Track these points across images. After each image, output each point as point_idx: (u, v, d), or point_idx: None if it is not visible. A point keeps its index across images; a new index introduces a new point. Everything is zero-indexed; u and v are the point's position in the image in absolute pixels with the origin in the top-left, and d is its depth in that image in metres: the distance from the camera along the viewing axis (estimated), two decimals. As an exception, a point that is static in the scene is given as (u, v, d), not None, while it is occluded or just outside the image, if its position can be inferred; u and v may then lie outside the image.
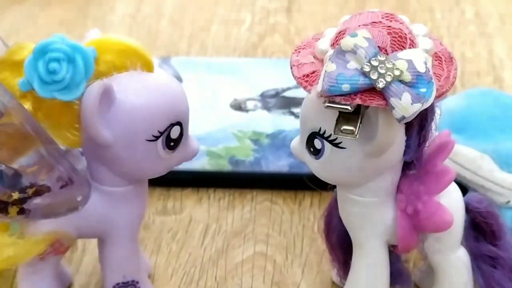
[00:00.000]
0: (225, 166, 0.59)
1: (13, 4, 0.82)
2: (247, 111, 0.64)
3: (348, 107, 0.38)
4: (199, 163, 0.59)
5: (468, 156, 0.53)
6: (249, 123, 0.63)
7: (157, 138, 0.43)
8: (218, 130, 0.62)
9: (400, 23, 0.41)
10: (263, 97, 0.65)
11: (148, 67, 0.44)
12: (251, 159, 0.60)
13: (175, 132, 0.44)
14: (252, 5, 0.83)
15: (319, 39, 0.42)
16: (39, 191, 0.42)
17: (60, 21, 0.80)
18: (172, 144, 0.44)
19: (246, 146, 0.61)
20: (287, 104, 0.65)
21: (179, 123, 0.44)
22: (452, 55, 0.42)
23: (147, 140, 0.43)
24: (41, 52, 0.41)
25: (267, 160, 0.59)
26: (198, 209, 0.58)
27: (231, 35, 0.78)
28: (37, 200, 0.42)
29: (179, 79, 0.67)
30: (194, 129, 0.61)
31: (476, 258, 0.47)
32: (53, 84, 0.41)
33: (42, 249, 0.44)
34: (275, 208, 0.58)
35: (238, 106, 0.64)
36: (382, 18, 0.41)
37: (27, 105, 0.42)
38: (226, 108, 0.64)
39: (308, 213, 0.57)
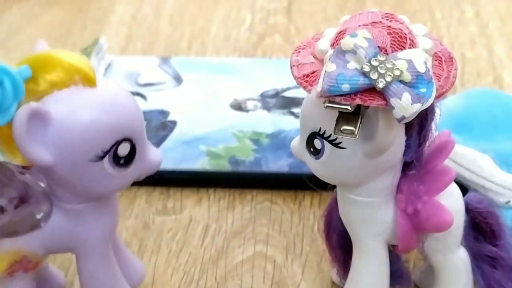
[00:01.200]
0: (225, 166, 0.59)
1: (13, 4, 0.82)
2: (247, 111, 0.64)
3: (348, 107, 0.38)
4: (199, 163, 0.59)
5: (468, 156, 0.53)
6: (249, 123, 0.63)
7: (101, 157, 0.41)
8: (218, 130, 0.62)
9: (400, 23, 0.41)
10: (263, 97, 0.65)
11: (89, 81, 0.41)
12: (251, 159, 0.60)
13: (123, 149, 0.41)
14: (252, 5, 0.83)
15: (319, 39, 0.42)
16: None
17: (60, 21, 0.80)
18: (122, 161, 0.42)
19: (246, 146, 0.61)
20: (287, 104, 0.65)
21: (127, 140, 0.42)
22: (452, 55, 0.42)
23: (90, 160, 0.41)
24: None
25: (267, 160, 0.59)
26: (198, 209, 0.58)
27: (231, 35, 0.78)
28: None
29: (179, 79, 0.68)
30: (194, 129, 0.62)
31: (476, 258, 0.47)
32: None
33: (4, 266, 0.43)
34: (275, 208, 0.58)
35: (238, 106, 0.64)
36: (382, 18, 0.41)
37: None
38: (226, 108, 0.64)
39: (308, 213, 0.57)
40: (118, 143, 0.41)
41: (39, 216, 0.43)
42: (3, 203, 0.41)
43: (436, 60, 0.41)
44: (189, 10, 0.82)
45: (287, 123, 0.63)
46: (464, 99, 0.59)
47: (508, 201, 0.52)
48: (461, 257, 0.46)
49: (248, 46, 0.76)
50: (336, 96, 0.38)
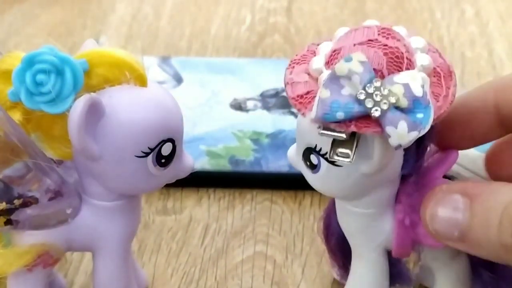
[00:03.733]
0: (225, 166, 0.59)
1: (13, 4, 0.82)
2: (247, 111, 0.64)
3: (343, 135, 0.38)
4: (199, 163, 0.59)
5: (468, 156, 0.53)
6: (249, 123, 0.63)
7: (147, 154, 0.42)
8: (218, 130, 0.62)
9: (397, 40, 0.40)
10: (263, 97, 0.65)
11: (141, 81, 0.43)
12: (251, 159, 0.60)
13: (166, 149, 0.43)
14: (252, 5, 0.83)
15: (314, 51, 0.41)
16: (27, 202, 0.41)
17: (60, 21, 0.80)
18: (163, 161, 0.43)
19: (246, 146, 0.61)
20: (287, 104, 0.65)
21: (171, 140, 0.43)
22: (451, 68, 0.40)
23: (136, 156, 0.42)
24: (29, 62, 0.40)
25: (267, 160, 0.60)
26: (198, 209, 0.58)
27: (231, 35, 0.78)
28: (26, 212, 0.41)
29: (179, 79, 0.68)
30: (194, 129, 0.62)
31: (475, 265, 0.46)
32: (40, 96, 0.40)
33: (28, 260, 0.43)
34: (275, 208, 0.58)
35: (238, 106, 0.64)
36: (379, 35, 0.40)
37: (17, 116, 0.41)
38: (226, 108, 0.64)
39: (308, 213, 0.57)
40: (163, 142, 0.42)
41: (68, 211, 0.43)
42: (38, 194, 0.41)
43: (434, 77, 0.40)
44: (189, 10, 0.82)
45: (287, 123, 0.63)
46: (464, 99, 0.59)
47: (508, 201, 0.52)
48: (460, 264, 0.46)
49: (248, 46, 0.76)
50: (330, 123, 0.38)
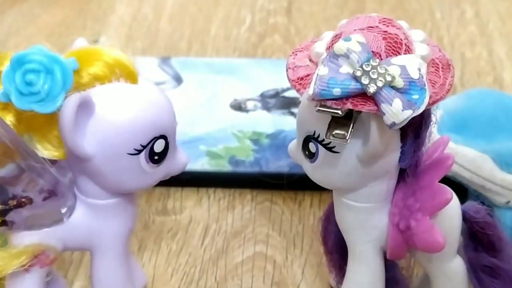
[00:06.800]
0: (225, 166, 0.59)
1: (13, 4, 0.82)
2: (247, 111, 0.64)
3: (339, 112, 0.38)
4: (199, 163, 0.59)
5: (468, 156, 0.53)
6: (249, 123, 0.63)
7: (139, 151, 0.42)
8: (218, 130, 0.62)
9: (397, 28, 0.40)
10: (263, 97, 0.65)
11: (132, 78, 0.43)
12: (251, 159, 0.60)
13: (159, 146, 0.43)
14: (252, 5, 0.83)
15: (316, 42, 0.42)
16: (21, 203, 0.41)
17: (60, 21, 0.80)
18: (156, 158, 0.43)
19: (246, 146, 0.61)
20: (287, 104, 0.65)
21: (163, 137, 0.43)
22: (450, 62, 0.41)
23: (128, 153, 0.42)
24: (18, 63, 0.40)
25: (267, 160, 0.59)
26: (198, 209, 0.58)
27: (231, 35, 0.78)
28: (20, 212, 0.41)
29: (179, 79, 0.68)
30: (194, 129, 0.62)
31: (476, 269, 0.46)
32: (30, 96, 0.40)
33: (25, 261, 0.43)
34: (275, 208, 0.58)
35: (238, 106, 0.64)
36: (379, 23, 0.40)
37: (9, 117, 0.41)
38: (226, 108, 0.64)
39: (308, 213, 0.57)
40: (155, 139, 0.42)
41: (63, 211, 0.43)
42: (32, 194, 0.42)
43: (433, 67, 0.40)
44: (189, 10, 0.82)
45: (287, 123, 0.63)
46: (464, 99, 0.59)
47: (508, 201, 0.52)
48: (456, 266, 0.46)
49: (248, 46, 0.76)
50: (327, 100, 0.38)
